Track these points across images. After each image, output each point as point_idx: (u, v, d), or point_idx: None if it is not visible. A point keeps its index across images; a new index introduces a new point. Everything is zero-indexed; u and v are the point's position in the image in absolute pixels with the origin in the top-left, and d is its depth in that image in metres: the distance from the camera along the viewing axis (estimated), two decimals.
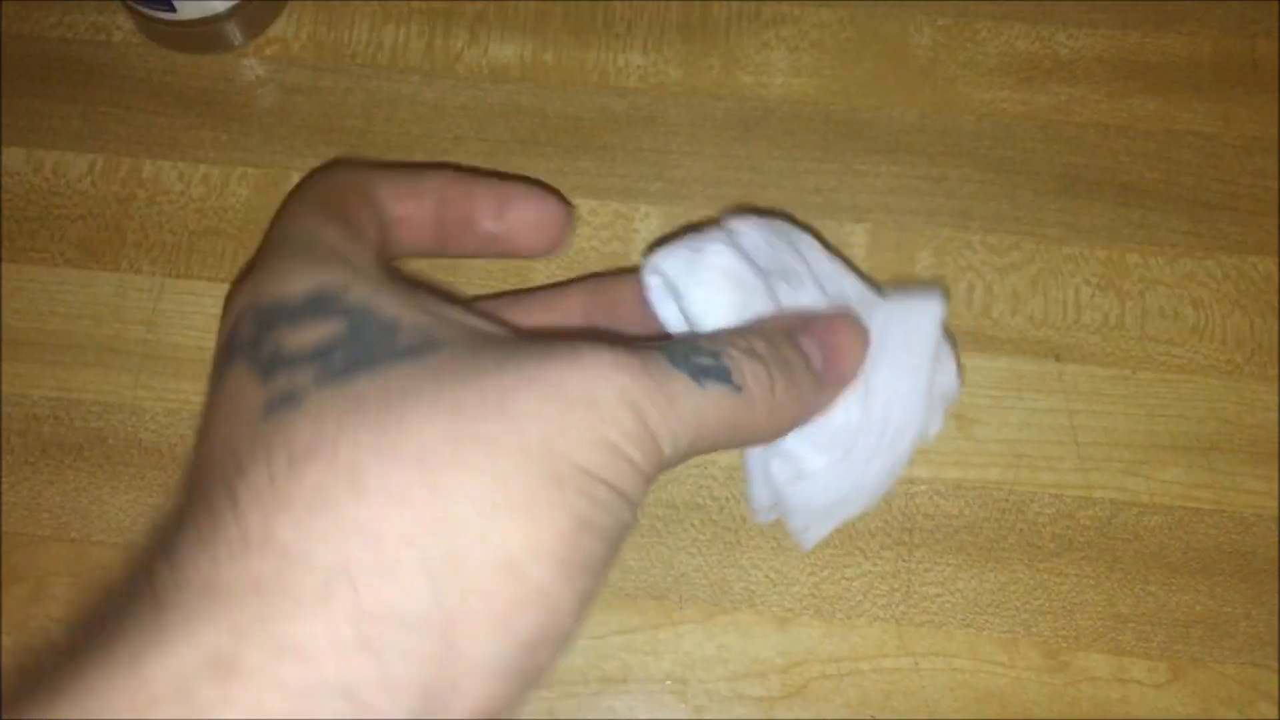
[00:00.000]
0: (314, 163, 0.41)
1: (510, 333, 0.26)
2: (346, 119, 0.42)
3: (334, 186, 0.30)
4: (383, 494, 0.21)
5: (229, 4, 0.41)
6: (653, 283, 0.32)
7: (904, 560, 0.37)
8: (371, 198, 0.30)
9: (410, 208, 0.31)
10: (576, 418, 0.23)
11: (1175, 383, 0.39)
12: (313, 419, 0.22)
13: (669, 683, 0.36)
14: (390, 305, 0.25)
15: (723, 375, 0.26)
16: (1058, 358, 0.39)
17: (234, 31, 0.42)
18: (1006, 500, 0.38)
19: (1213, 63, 0.43)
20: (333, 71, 0.43)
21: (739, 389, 0.26)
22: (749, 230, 0.33)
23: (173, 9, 0.40)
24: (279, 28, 0.44)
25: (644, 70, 0.43)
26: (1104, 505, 0.38)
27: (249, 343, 0.25)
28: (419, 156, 0.42)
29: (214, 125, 0.42)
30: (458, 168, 0.36)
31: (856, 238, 0.41)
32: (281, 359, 0.24)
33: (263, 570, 0.20)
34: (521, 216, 0.32)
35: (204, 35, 0.42)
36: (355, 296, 0.25)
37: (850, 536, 0.37)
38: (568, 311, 0.35)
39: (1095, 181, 0.41)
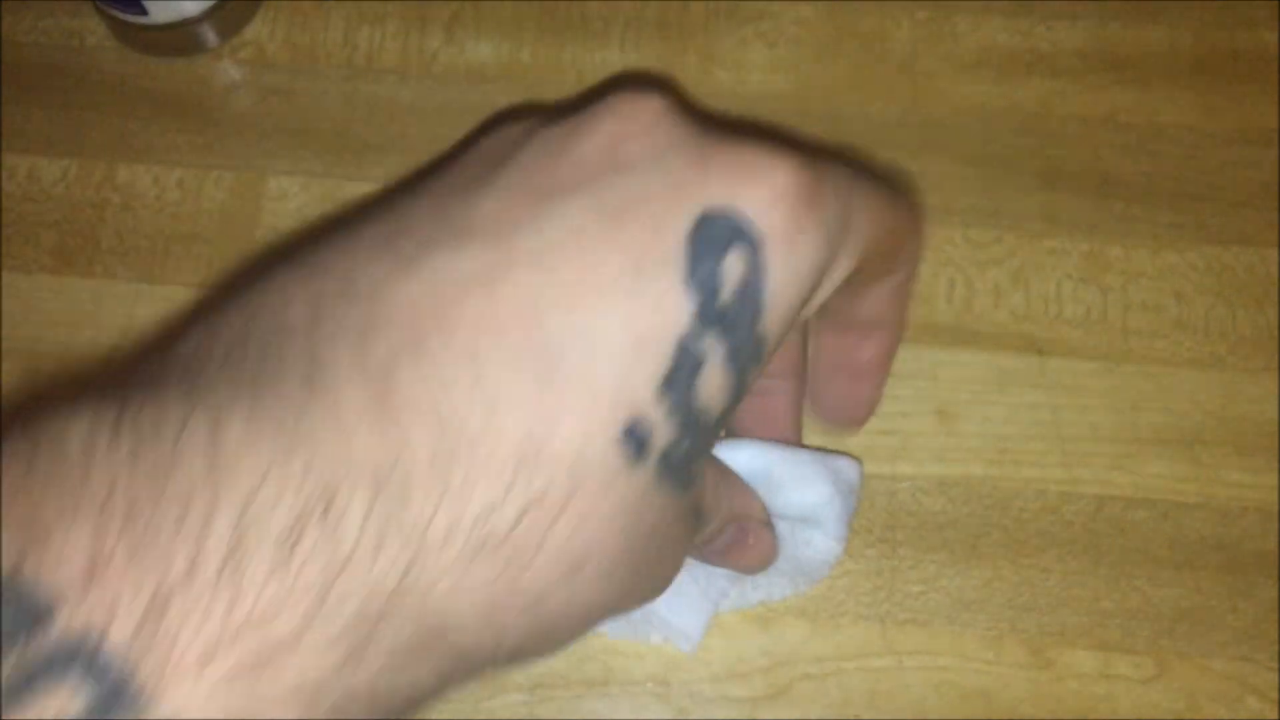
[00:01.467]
0: (290, 166, 0.41)
1: None
2: (322, 121, 0.42)
3: None
4: None
5: (202, 6, 0.41)
6: None
7: (887, 558, 0.37)
8: None
9: None
10: None
11: (1159, 376, 0.39)
12: None
13: (651, 684, 0.36)
14: None
15: None
16: (1040, 352, 0.39)
17: (208, 34, 0.42)
18: (990, 496, 0.38)
19: (1193, 55, 0.43)
20: (308, 73, 0.43)
21: None
22: None
23: (145, 12, 0.40)
24: (253, 30, 0.43)
25: (621, 68, 0.43)
26: (1088, 500, 0.37)
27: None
28: (395, 158, 0.41)
29: (189, 129, 0.42)
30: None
31: None
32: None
33: None
34: None
35: (177, 38, 0.42)
36: None
37: None
38: None
39: (1076, 175, 0.41)
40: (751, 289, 0.22)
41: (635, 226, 0.22)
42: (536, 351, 0.21)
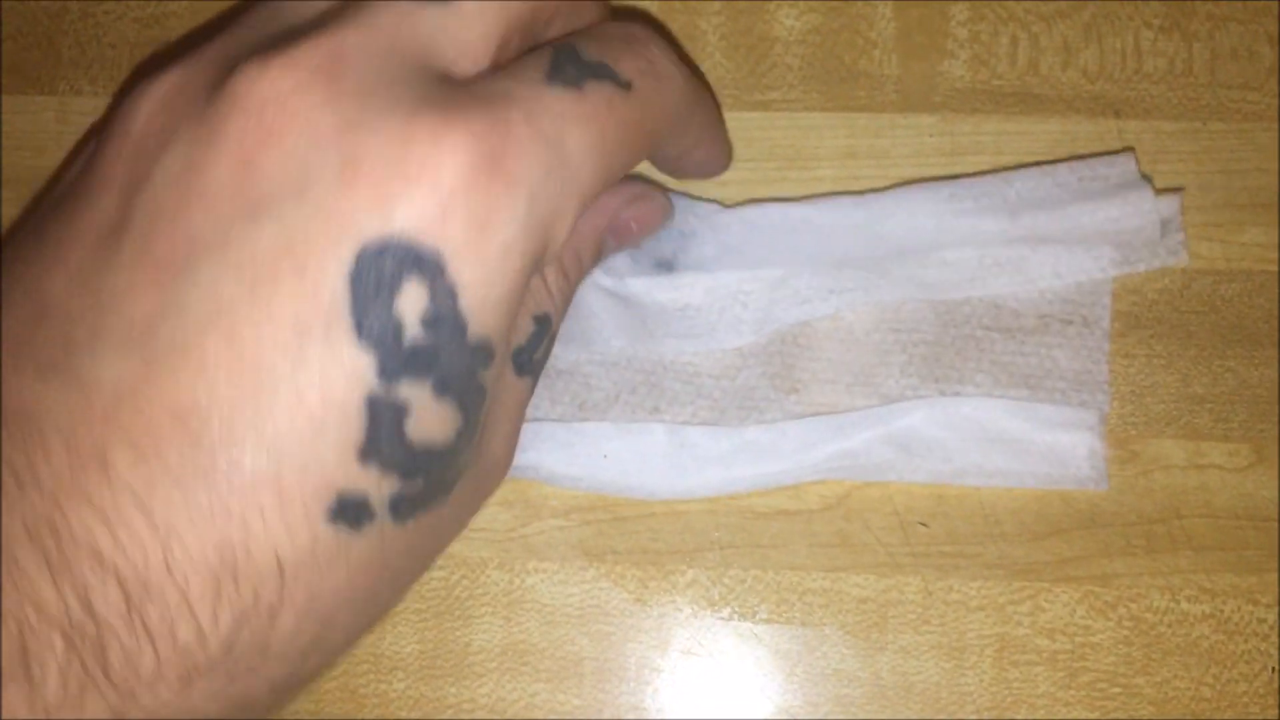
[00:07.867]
0: None
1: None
2: None
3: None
4: None
5: None
6: None
7: None
8: None
9: None
10: None
11: (1252, 133, 0.34)
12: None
13: None
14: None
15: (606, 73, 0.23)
16: (1117, 114, 0.34)
17: None
18: None
19: None
20: None
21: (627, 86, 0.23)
22: None
23: None
24: None
25: None
26: (1175, 276, 0.33)
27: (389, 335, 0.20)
28: None
29: None
30: None
31: None
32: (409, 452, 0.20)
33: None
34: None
35: None
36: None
37: None
38: None
39: None
40: (443, 316, 0.20)
41: (285, 287, 0.19)
42: (205, 464, 0.19)
